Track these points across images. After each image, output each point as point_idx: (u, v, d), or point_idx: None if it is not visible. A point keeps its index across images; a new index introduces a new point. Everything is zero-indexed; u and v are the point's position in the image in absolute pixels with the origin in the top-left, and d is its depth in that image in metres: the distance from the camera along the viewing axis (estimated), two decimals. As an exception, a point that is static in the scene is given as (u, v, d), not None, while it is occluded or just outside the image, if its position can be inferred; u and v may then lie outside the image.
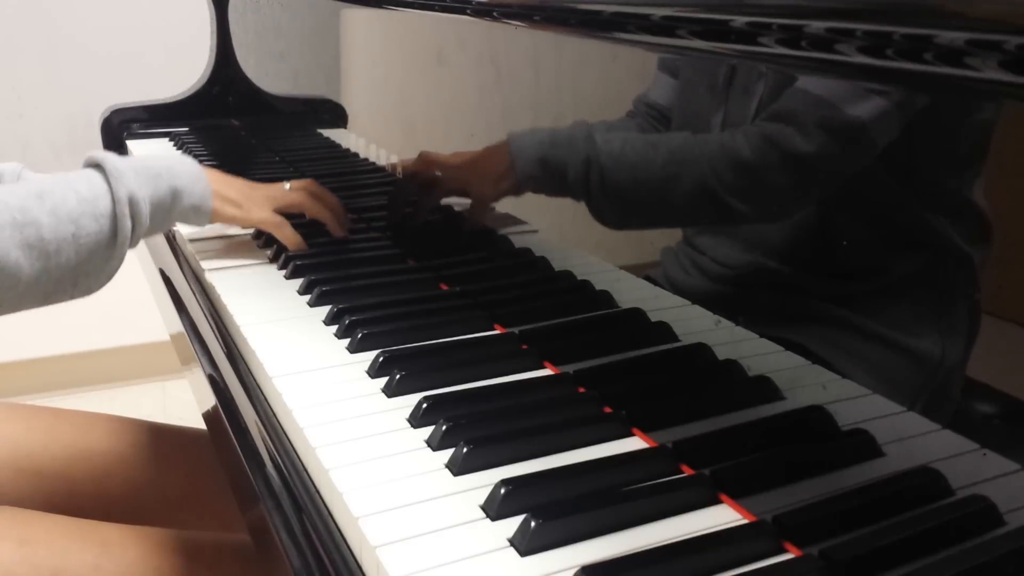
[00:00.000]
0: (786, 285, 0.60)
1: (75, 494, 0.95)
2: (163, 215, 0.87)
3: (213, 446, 0.83)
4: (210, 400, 0.78)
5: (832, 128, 0.53)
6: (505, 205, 0.89)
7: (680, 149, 0.64)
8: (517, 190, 0.84)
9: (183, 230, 1.04)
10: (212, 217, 0.92)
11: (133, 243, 0.83)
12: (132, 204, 0.81)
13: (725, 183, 0.60)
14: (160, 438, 1.02)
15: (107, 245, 0.80)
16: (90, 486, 0.96)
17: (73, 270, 0.78)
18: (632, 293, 0.74)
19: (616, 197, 0.70)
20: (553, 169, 0.77)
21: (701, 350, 0.67)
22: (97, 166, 0.83)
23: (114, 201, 0.80)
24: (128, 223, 0.81)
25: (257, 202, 0.95)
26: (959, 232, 0.48)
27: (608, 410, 0.63)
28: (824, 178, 0.55)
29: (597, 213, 0.73)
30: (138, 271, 1.17)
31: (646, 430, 0.61)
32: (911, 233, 0.51)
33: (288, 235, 0.95)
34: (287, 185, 0.99)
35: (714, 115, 0.62)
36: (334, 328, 0.78)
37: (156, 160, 0.88)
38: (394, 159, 1.12)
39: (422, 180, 1.00)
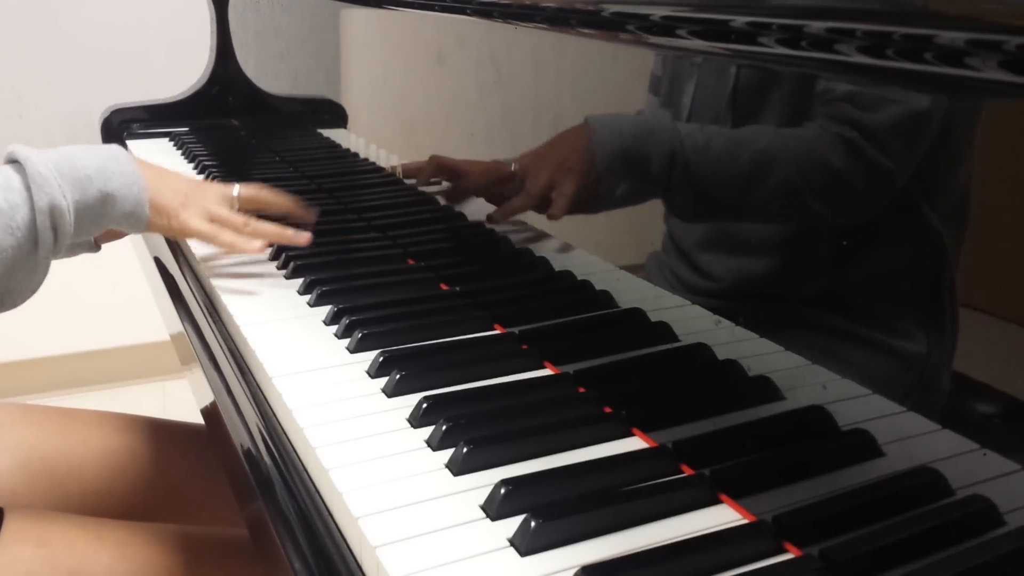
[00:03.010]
0: (764, 294, 0.60)
1: (87, 492, 0.95)
2: (91, 221, 0.80)
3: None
4: (210, 400, 0.78)
5: (898, 125, 0.51)
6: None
7: (768, 149, 0.63)
8: (594, 182, 0.77)
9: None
10: (148, 227, 0.86)
11: (57, 253, 0.78)
12: (54, 215, 0.75)
13: (811, 184, 0.59)
14: (169, 435, 1.03)
15: (27, 258, 0.74)
16: (102, 484, 0.96)
17: None
18: (632, 293, 0.74)
19: (697, 191, 0.69)
20: (635, 160, 0.72)
21: (701, 350, 0.67)
22: (18, 165, 0.75)
23: (34, 211, 0.74)
24: (50, 235, 0.75)
25: (197, 207, 0.88)
26: (945, 224, 0.48)
27: (608, 410, 0.63)
28: (897, 176, 0.54)
29: (672, 205, 0.71)
30: (138, 271, 1.17)
31: (646, 430, 0.61)
32: (899, 227, 0.51)
33: (227, 240, 0.88)
34: (236, 188, 0.93)
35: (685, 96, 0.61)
36: (334, 328, 0.78)
37: (87, 158, 0.80)
38: (394, 159, 1.11)
39: (495, 180, 0.91)
